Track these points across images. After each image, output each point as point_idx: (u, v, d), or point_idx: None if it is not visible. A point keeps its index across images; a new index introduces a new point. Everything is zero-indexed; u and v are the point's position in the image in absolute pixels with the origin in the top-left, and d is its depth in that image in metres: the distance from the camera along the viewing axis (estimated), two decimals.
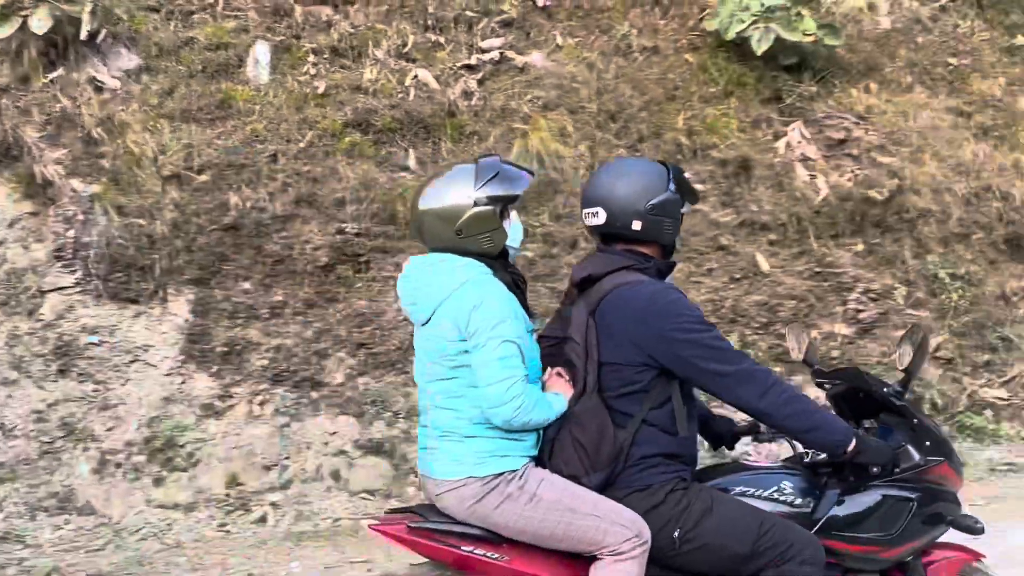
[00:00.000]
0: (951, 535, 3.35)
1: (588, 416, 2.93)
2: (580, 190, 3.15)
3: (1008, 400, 7.99)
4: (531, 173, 3.13)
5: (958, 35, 9.45)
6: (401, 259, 6.46)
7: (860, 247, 8.32)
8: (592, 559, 2.91)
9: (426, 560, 3.02)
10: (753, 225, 8.11)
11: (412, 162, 7.51)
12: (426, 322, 2.99)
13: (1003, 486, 6.94)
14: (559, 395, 2.98)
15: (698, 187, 8.13)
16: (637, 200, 3.03)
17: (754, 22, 8.32)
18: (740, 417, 3.35)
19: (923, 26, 9.43)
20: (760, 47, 8.38)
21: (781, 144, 8.51)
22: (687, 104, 8.40)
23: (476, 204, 2.93)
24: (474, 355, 2.87)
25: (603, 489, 2.94)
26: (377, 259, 7.13)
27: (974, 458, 7.34)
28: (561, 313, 3.23)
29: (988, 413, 7.89)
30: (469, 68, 8.09)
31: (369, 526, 3.03)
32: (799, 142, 8.57)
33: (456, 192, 2.95)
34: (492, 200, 2.95)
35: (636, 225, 3.04)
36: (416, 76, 7.87)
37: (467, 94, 7.91)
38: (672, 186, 3.08)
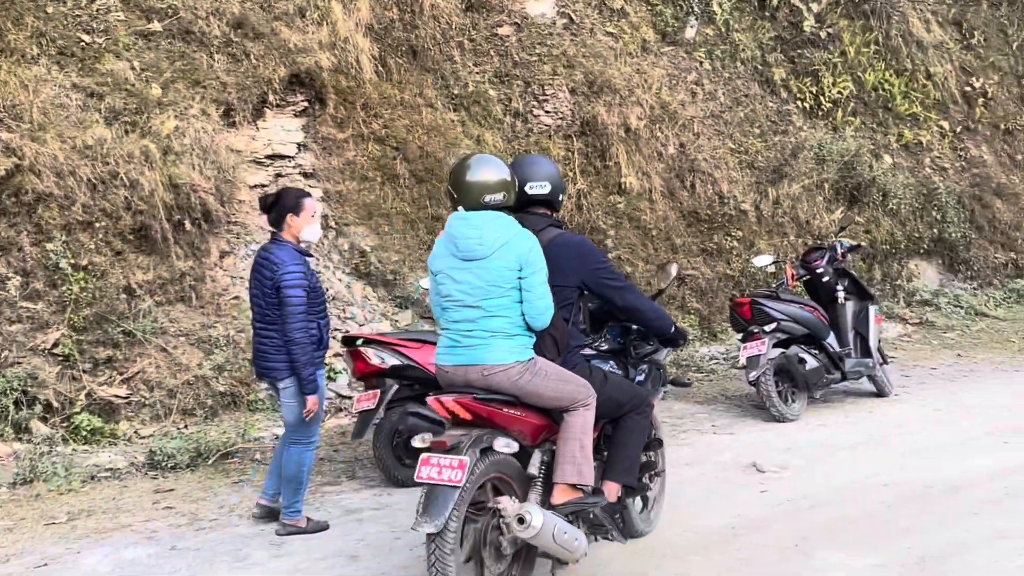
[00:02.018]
0: None
1: (558, 321, 4.53)
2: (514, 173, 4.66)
3: (127, 398, 7.66)
4: None
5: (93, 11, 8.91)
6: None
7: None
8: (560, 414, 4.48)
9: (450, 421, 4.37)
10: None
11: None
12: (484, 257, 4.33)
13: (95, 496, 6.50)
14: None
15: None
16: (561, 180, 4.85)
17: None
18: None
19: None
20: None
21: None
22: None
23: (512, 176, 4.54)
24: (528, 280, 4.35)
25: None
26: None
27: (79, 465, 6.84)
28: None
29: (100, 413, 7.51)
30: None
31: (437, 398, 4.30)
32: None
33: (503, 170, 4.48)
34: None
35: (561, 196, 4.86)
36: None
37: None
38: None
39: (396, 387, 6.57)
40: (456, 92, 11.29)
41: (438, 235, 4.65)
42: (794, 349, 8.29)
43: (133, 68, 8.88)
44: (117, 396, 7.60)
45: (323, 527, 5.73)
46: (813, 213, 12.72)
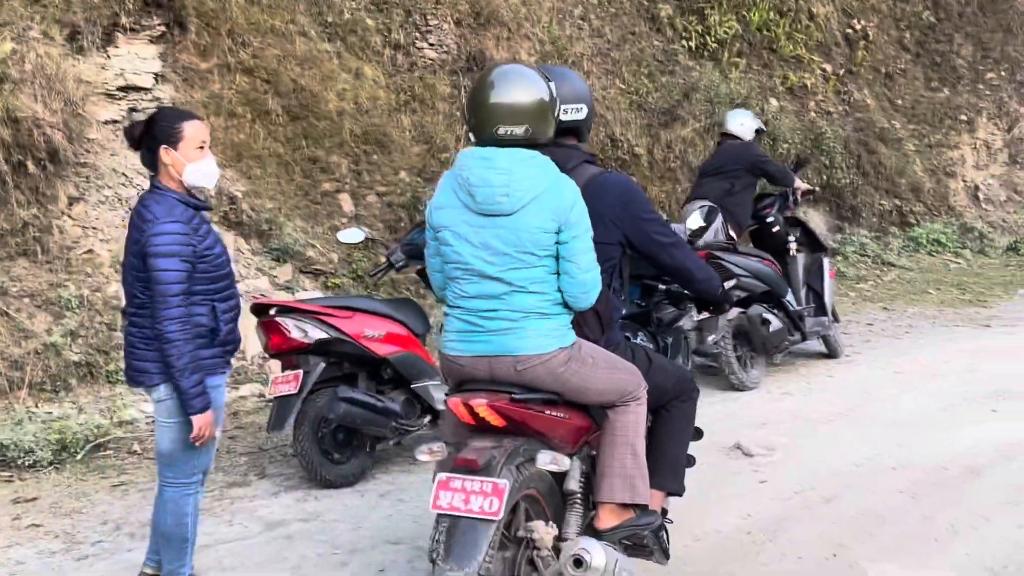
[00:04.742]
0: None
1: (602, 291, 3.48)
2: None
3: None
4: None
5: None
6: None
7: None
8: (602, 412, 3.53)
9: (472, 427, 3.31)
10: None
11: None
12: (511, 213, 3.21)
13: None
14: None
15: None
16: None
17: None
18: None
19: None
20: None
21: None
22: None
23: (552, 95, 3.35)
24: (571, 245, 3.27)
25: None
26: None
27: None
28: None
29: None
30: None
31: (465, 402, 3.24)
32: None
33: (540, 85, 3.30)
34: None
35: (591, 119, 3.76)
36: None
37: None
38: None
39: (322, 366, 5.49)
40: (330, 20, 10.20)
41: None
42: (756, 309, 7.53)
43: None
44: None
45: None
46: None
